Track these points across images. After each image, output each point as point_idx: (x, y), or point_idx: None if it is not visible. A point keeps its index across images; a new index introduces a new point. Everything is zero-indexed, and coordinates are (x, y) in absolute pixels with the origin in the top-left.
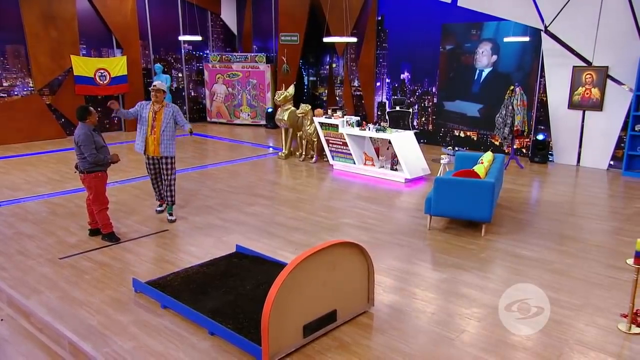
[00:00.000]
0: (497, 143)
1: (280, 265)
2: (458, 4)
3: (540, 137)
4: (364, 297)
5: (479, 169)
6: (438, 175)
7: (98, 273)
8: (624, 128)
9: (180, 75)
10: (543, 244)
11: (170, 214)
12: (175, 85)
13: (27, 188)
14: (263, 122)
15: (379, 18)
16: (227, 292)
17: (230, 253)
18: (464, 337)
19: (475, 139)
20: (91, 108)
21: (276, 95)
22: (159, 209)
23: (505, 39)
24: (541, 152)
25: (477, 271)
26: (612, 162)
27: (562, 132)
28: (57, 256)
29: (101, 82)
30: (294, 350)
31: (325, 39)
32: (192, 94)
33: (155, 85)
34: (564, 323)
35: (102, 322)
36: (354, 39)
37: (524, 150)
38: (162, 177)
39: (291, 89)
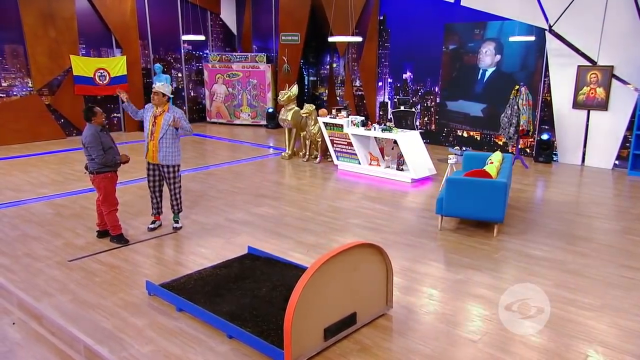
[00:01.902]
0: (500, 143)
1: (294, 267)
2: (461, 4)
3: (544, 136)
4: (382, 299)
5: (491, 168)
6: (445, 175)
7: (109, 275)
8: (630, 128)
9: (179, 75)
10: (555, 244)
11: (177, 222)
12: (175, 85)
13: (30, 189)
14: (263, 122)
15: (381, 18)
16: (242, 294)
17: (243, 254)
18: (484, 338)
19: (478, 138)
20: (96, 108)
21: (280, 95)
22: (151, 226)
23: (510, 39)
24: (545, 152)
25: (492, 272)
26: (617, 162)
27: (567, 131)
28: (65, 258)
29: (101, 82)
30: (315, 354)
31: (331, 39)
32: (192, 94)
33: (155, 87)
34: (585, 324)
35: (117, 326)
36: (358, 39)
37: (528, 150)
38: (166, 185)
39: (294, 89)
